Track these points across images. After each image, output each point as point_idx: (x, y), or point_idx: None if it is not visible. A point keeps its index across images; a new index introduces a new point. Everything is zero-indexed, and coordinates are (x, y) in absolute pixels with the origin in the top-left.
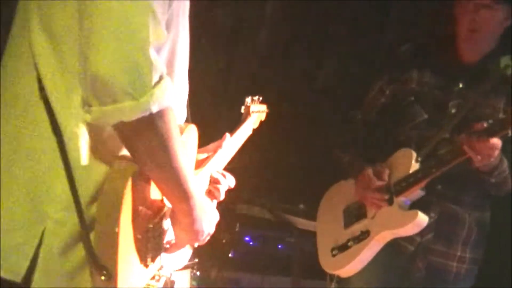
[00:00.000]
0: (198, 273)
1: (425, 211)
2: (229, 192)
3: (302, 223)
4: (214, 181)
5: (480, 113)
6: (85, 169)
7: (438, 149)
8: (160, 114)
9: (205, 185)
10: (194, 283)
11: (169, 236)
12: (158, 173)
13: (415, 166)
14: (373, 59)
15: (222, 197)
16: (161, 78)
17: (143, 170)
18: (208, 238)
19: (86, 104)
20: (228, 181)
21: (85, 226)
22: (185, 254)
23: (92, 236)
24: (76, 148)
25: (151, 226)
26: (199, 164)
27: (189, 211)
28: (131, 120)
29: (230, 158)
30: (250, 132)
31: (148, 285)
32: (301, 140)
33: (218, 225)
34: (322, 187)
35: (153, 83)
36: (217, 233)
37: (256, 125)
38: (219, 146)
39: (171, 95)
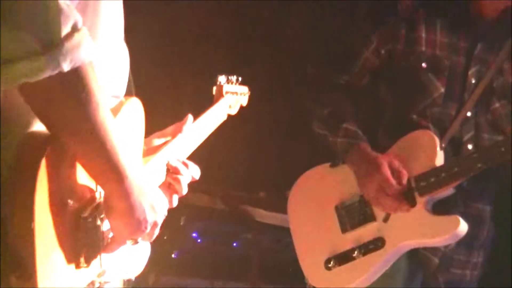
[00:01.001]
0: (132, 278)
1: (448, 212)
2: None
3: (263, 215)
4: (172, 171)
5: (505, 83)
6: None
7: (463, 132)
8: (75, 72)
9: (161, 175)
10: None
11: (108, 230)
12: (78, 146)
13: (440, 155)
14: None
15: (184, 190)
16: (74, 28)
17: (61, 142)
18: (155, 229)
19: None
20: (191, 171)
21: None
22: (139, 257)
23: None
24: None
25: (83, 216)
26: (153, 150)
27: (124, 194)
28: (37, 80)
29: (195, 145)
30: (223, 117)
31: None
32: (259, 116)
33: None
34: (288, 170)
35: (62, 34)
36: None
37: (233, 111)
38: (179, 130)
39: (90, 51)
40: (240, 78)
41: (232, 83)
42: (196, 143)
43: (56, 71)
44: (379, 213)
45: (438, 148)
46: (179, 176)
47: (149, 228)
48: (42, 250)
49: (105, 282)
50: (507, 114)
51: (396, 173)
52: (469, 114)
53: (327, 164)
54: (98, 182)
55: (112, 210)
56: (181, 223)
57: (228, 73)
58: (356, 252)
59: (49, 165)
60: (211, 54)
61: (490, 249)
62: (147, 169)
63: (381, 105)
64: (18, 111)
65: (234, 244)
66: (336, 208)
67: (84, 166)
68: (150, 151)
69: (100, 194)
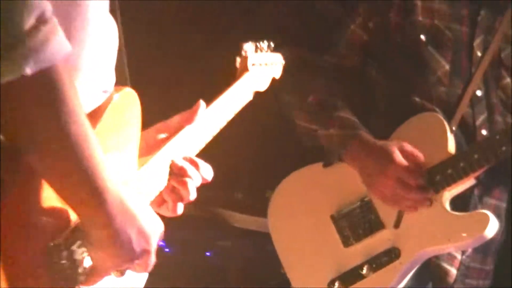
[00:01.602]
0: None
1: (465, 210)
2: None
3: (241, 219)
4: (178, 173)
5: None
6: None
7: (475, 115)
8: (41, 76)
9: (162, 179)
10: None
11: (88, 260)
12: (46, 164)
13: (451, 141)
14: None
15: (192, 195)
16: (40, 19)
17: (27, 160)
18: (148, 258)
19: None
20: (202, 172)
21: None
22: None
23: None
24: None
25: (55, 244)
26: (154, 147)
27: (104, 221)
28: None
29: (209, 138)
30: (248, 97)
31: None
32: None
33: None
34: (270, 167)
35: (24, 27)
36: None
37: (263, 86)
38: (188, 120)
39: (61, 48)
40: (272, 44)
41: (262, 50)
42: (210, 135)
43: (17, 76)
44: (388, 219)
45: (448, 133)
46: (186, 179)
47: (138, 258)
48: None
49: None
50: None
51: (410, 158)
52: (479, 93)
53: (319, 164)
54: (71, 207)
55: (91, 240)
56: None
57: (256, 38)
58: (365, 269)
59: (11, 183)
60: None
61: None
62: (144, 173)
63: (372, 89)
64: None
65: (208, 254)
66: (333, 217)
67: (53, 188)
68: (150, 148)
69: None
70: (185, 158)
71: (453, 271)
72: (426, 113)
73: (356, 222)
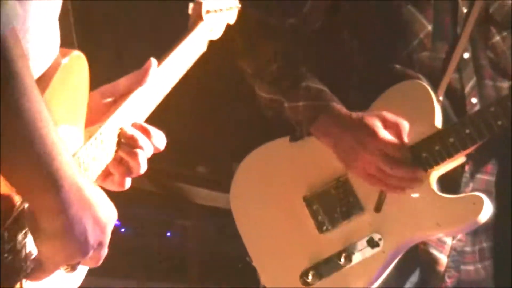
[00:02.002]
0: None
1: (455, 191)
2: None
3: (203, 196)
4: (127, 142)
5: (503, 8)
6: None
7: (463, 80)
8: None
9: (110, 150)
10: None
11: (33, 251)
12: None
13: (438, 112)
14: None
15: (142, 168)
16: None
17: None
18: (101, 251)
19: None
20: (155, 140)
21: None
22: (72, 279)
23: None
24: None
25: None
26: (100, 114)
27: (59, 210)
28: None
29: (160, 98)
30: (202, 48)
31: None
32: (198, 71)
33: None
34: (234, 137)
35: None
36: None
37: (216, 34)
38: (139, 82)
39: (11, 15)
40: None
41: None
42: (162, 95)
43: None
44: (367, 201)
45: (435, 103)
46: (136, 150)
47: (91, 251)
48: None
49: None
50: (510, 49)
51: (394, 130)
52: (466, 55)
53: (285, 139)
54: (22, 193)
55: (41, 230)
56: None
57: None
58: (343, 258)
59: None
60: None
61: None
62: (90, 146)
63: (345, 56)
64: None
65: (168, 234)
66: (306, 198)
67: (2, 171)
68: (94, 115)
69: (21, 202)
70: (135, 126)
71: (443, 258)
72: (408, 81)
73: (332, 204)
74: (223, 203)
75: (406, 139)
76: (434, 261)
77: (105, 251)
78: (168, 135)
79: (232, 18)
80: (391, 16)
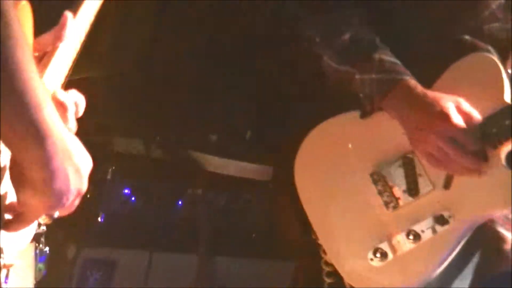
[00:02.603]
0: (46, 249)
1: None
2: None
3: (215, 163)
4: (57, 107)
5: None
6: None
7: None
8: None
9: None
10: (40, 266)
11: (9, 200)
12: None
13: (507, 87)
14: None
15: (74, 129)
16: None
17: None
18: (77, 199)
19: None
20: (79, 103)
21: None
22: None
23: None
24: None
25: None
26: None
27: (45, 160)
28: None
29: (75, 53)
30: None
31: None
32: (206, 39)
33: None
34: (247, 105)
35: None
36: None
37: None
38: (59, 37)
39: None
40: None
41: None
42: (74, 51)
43: None
44: (436, 178)
45: (504, 77)
46: (66, 114)
47: (71, 199)
48: None
49: (9, 265)
50: None
51: (467, 119)
52: None
53: (355, 113)
54: (9, 145)
55: (27, 181)
56: (108, 177)
57: None
58: (411, 236)
59: None
60: None
61: None
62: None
63: (411, 28)
64: None
65: (179, 203)
66: (373, 175)
67: None
68: None
69: None
70: (60, 90)
71: (510, 236)
72: (476, 53)
73: (400, 181)
74: (235, 171)
75: (475, 131)
76: (501, 239)
77: (78, 200)
78: (180, 104)
79: None
80: None
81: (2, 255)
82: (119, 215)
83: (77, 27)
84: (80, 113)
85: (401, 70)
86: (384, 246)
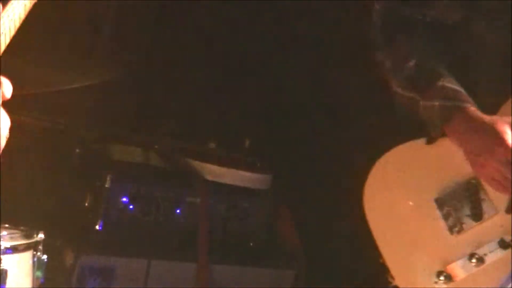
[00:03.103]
0: (44, 257)
1: None
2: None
3: (214, 172)
4: None
5: None
6: None
7: None
8: None
9: None
10: (38, 274)
11: None
12: None
13: None
14: None
15: None
16: None
17: None
18: None
19: None
20: (5, 89)
21: None
22: None
23: None
24: None
25: None
26: None
27: None
28: None
29: (6, 41)
30: None
31: None
32: (208, 49)
33: (78, 180)
34: (247, 114)
35: None
36: (75, 193)
37: None
38: None
39: None
40: None
41: None
42: (11, 32)
43: None
44: (499, 202)
45: None
46: None
47: None
48: None
49: None
50: None
51: None
52: None
53: (421, 140)
54: None
55: None
56: (107, 185)
57: None
58: (474, 260)
59: None
60: None
61: None
62: None
63: (479, 50)
64: None
65: (177, 212)
66: (437, 200)
67: None
68: None
69: None
70: None
71: None
72: None
73: (464, 206)
74: (234, 179)
75: None
76: None
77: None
78: (179, 111)
79: None
80: None
81: None
82: (118, 223)
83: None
84: (7, 95)
85: (462, 97)
86: (448, 270)
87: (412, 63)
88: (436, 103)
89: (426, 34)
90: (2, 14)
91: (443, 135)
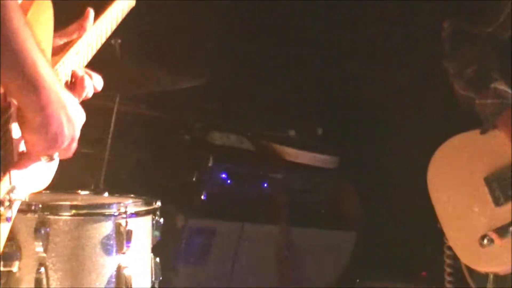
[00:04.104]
0: (161, 220)
1: None
2: (200, 118)
3: (292, 154)
4: (77, 82)
5: None
6: None
7: None
8: None
9: (63, 82)
10: (156, 233)
11: (20, 145)
12: None
13: None
14: None
15: (81, 99)
16: None
17: None
18: (72, 144)
19: None
20: (96, 83)
21: None
22: (47, 171)
23: None
24: None
25: None
26: (57, 51)
27: (41, 106)
28: None
29: (98, 45)
30: (132, 3)
31: None
32: (290, 49)
33: (186, 160)
34: (319, 106)
35: None
36: (185, 170)
37: (132, 3)
38: (82, 27)
39: None
40: None
41: None
42: (98, 43)
43: None
44: None
45: None
46: (84, 85)
47: (66, 142)
48: None
49: (15, 200)
50: None
51: None
52: None
53: (476, 131)
54: (12, 93)
55: (27, 123)
56: (210, 164)
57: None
58: None
59: None
60: None
61: None
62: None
63: None
64: None
65: (264, 185)
66: (486, 179)
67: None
68: (53, 53)
69: (11, 101)
70: (83, 69)
71: None
72: None
73: (507, 184)
74: (308, 159)
75: None
76: None
77: (75, 145)
78: (267, 105)
79: None
80: None
81: (15, 191)
82: (218, 193)
83: (97, 24)
84: (98, 88)
85: (509, 96)
86: (492, 234)
87: (470, 69)
88: (489, 101)
89: (484, 46)
90: (91, 28)
91: (494, 127)
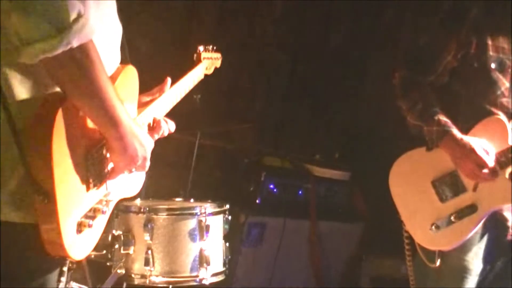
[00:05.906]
0: (229, 217)
1: None
2: (255, 147)
3: (318, 171)
4: (155, 124)
5: None
6: (22, 104)
7: None
8: (81, 47)
9: (145, 125)
10: (226, 226)
11: (110, 163)
12: (84, 102)
13: (511, 135)
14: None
15: (157, 137)
16: (79, 15)
17: (72, 101)
18: (145, 162)
19: (12, 45)
20: (170, 126)
21: (23, 153)
22: (136, 182)
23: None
24: (9, 86)
25: (91, 153)
26: (142, 105)
27: (119, 137)
28: (54, 54)
29: (174, 102)
30: (201, 77)
31: (96, 209)
32: (313, 96)
33: (246, 176)
34: (336, 138)
35: (71, 20)
36: (245, 183)
37: (210, 71)
38: (161, 90)
39: (91, 31)
40: (215, 47)
41: (208, 51)
42: (175, 100)
43: (68, 47)
44: (468, 185)
45: (509, 130)
46: (161, 126)
47: (140, 161)
48: (59, 175)
49: (109, 201)
50: None
51: (485, 152)
52: None
53: (423, 148)
54: (100, 129)
55: (112, 148)
56: (262, 179)
57: (205, 44)
58: (453, 217)
59: (65, 114)
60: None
61: None
62: (139, 119)
63: (456, 99)
64: (39, 78)
65: (299, 192)
66: (433, 182)
67: (89, 117)
68: (140, 106)
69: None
70: (160, 117)
71: (509, 216)
72: (493, 117)
73: (448, 186)
74: (329, 175)
75: (492, 160)
76: (505, 219)
77: (148, 163)
78: (301, 137)
79: (218, 64)
80: (486, 77)
81: (110, 195)
82: (268, 199)
83: (175, 87)
84: (172, 130)
85: (450, 125)
86: (438, 222)
87: (420, 106)
88: (434, 128)
89: (428, 89)
90: (169, 90)
91: (437, 146)
